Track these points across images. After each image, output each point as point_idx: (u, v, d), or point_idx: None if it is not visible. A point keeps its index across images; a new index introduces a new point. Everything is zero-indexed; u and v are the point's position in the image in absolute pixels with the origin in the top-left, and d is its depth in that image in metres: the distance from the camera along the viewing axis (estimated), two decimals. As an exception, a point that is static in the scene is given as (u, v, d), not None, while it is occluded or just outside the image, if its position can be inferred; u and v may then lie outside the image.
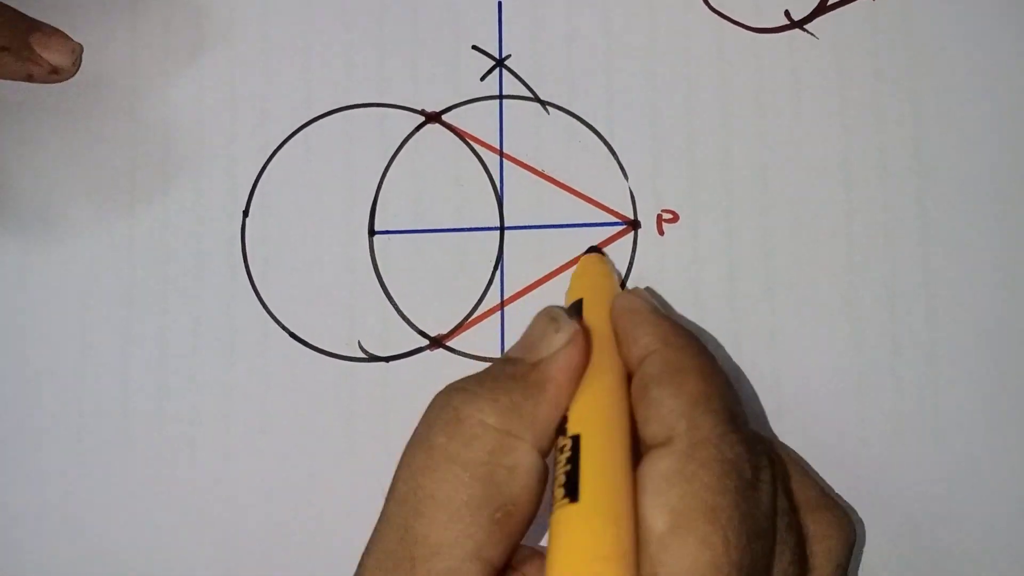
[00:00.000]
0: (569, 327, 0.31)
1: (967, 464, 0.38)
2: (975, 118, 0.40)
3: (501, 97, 0.42)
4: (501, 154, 0.41)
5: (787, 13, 0.41)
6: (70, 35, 0.41)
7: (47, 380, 0.41)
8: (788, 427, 0.39)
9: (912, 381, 0.39)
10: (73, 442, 0.40)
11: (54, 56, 0.40)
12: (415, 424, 0.38)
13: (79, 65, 0.42)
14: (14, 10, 0.40)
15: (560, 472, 0.28)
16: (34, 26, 0.40)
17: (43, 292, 0.41)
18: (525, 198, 0.41)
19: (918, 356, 0.39)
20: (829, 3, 0.41)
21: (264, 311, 0.41)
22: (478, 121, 0.41)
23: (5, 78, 0.41)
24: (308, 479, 0.39)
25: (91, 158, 0.42)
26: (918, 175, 0.40)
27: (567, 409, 0.30)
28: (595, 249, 0.40)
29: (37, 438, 0.40)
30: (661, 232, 0.40)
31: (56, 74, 0.41)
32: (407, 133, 0.42)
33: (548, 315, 0.32)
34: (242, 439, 0.40)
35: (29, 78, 0.41)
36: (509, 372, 0.30)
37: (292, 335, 0.40)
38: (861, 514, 0.38)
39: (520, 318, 0.40)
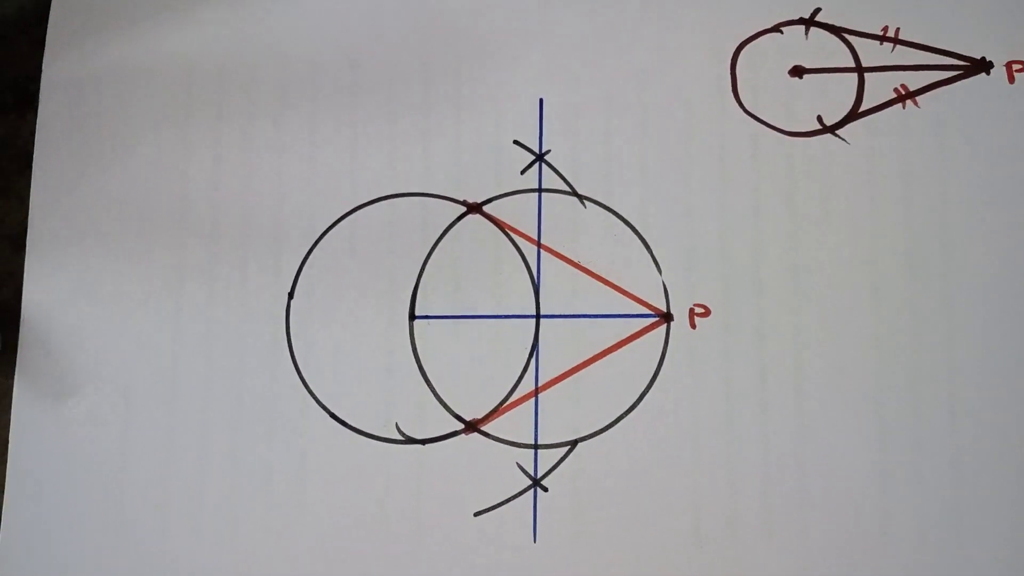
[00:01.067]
0: None
1: (990, 564, 0.39)
2: (1003, 225, 0.41)
3: (540, 190, 0.43)
4: (539, 245, 0.43)
5: (819, 118, 0.43)
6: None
7: (88, 456, 0.42)
8: (813, 521, 0.39)
9: (936, 482, 0.39)
10: (114, 515, 0.41)
11: None
12: (449, 506, 0.39)
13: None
14: None
15: None
16: None
17: (89, 366, 0.43)
18: (561, 288, 0.42)
19: (943, 457, 0.39)
20: (861, 110, 0.42)
21: (306, 390, 0.42)
22: (518, 212, 0.43)
23: None
24: (343, 557, 0.40)
25: (139, 235, 0.44)
26: (945, 279, 0.41)
27: None
28: None
29: (78, 514, 0.41)
30: (693, 326, 0.41)
31: None
32: (449, 222, 0.43)
33: None
34: (280, 517, 0.41)
35: None
36: None
37: (332, 415, 0.42)
38: (886, 612, 0.39)
39: (554, 405, 0.41)
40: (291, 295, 0.43)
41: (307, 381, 0.42)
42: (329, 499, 0.41)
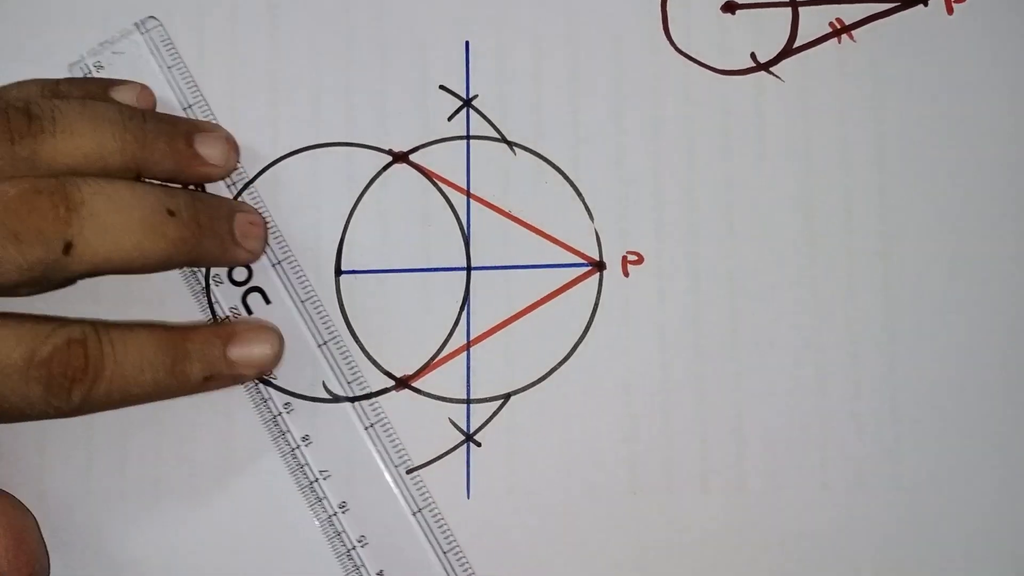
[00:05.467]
0: None
1: (926, 510, 0.38)
2: (938, 161, 0.40)
3: (468, 137, 0.42)
4: (468, 194, 0.41)
5: (753, 55, 0.41)
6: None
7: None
8: (750, 469, 0.39)
9: (872, 425, 0.39)
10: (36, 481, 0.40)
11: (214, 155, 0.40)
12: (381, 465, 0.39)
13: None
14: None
15: None
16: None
17: None
18: (492, 239, 0.41)
19: (880, 400, 0.39)
20: (795, 46, 0.41)
21: (230, 351, 0.41)
22: (445, 161, 0.42)
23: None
24: (275, 521, 0.40)
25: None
26: (881, 218, 0.40)
27: None
28: None
29: None
30: (626, 274, 0.40)
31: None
32: (374, 173, 0.42)
33: None
34: (206, 481, 0.40)
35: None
36: None
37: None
38: (822, 557, 0.38)
39: (486, 359, 0.40)
40: (212, 253, 0.41)
41: (231, 341, 0.41)
42: (258, 462, 0.40)
